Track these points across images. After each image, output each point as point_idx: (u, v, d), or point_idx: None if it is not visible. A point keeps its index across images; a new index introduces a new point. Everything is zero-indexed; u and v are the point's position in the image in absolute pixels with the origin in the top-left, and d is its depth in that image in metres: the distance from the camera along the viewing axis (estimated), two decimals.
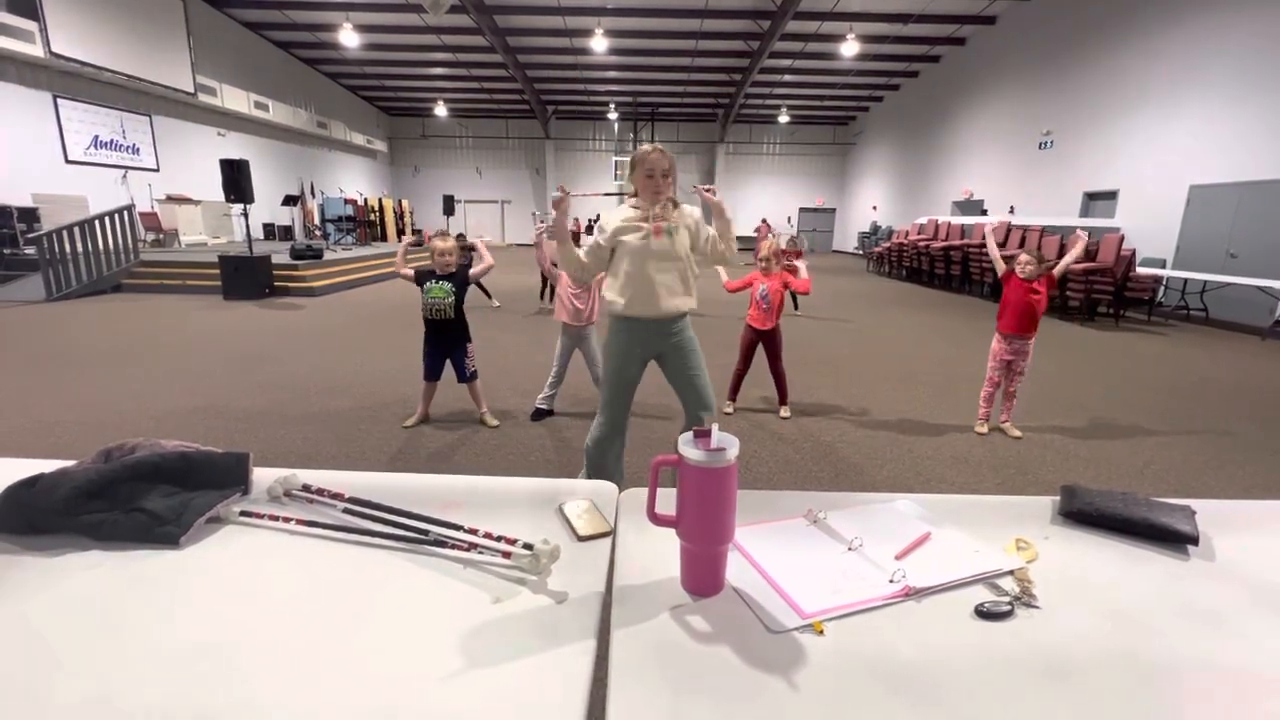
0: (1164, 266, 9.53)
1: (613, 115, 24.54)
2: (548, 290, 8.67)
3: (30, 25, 10.11)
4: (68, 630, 0.70)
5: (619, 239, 2.35)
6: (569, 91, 22.21)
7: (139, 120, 13.01)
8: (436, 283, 3.64)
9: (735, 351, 4.24)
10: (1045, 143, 13.07)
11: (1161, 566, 0.89)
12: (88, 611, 0.73)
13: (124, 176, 12.45)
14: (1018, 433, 3.91)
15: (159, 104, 13.42)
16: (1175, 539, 0.93)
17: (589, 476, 2.68)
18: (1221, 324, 8.66)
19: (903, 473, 3.37)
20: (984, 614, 0.77)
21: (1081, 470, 3.43)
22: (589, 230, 25.34)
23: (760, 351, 4.19)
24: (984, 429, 3.96)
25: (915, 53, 17.29)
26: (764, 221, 21.17)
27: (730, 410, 4.26)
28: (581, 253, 2.43)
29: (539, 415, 4.06)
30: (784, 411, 4.20)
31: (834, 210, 26.71)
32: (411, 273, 3.76)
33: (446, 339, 3.74)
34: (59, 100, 11.18)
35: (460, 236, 9.43)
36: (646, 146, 2.32)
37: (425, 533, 0.90)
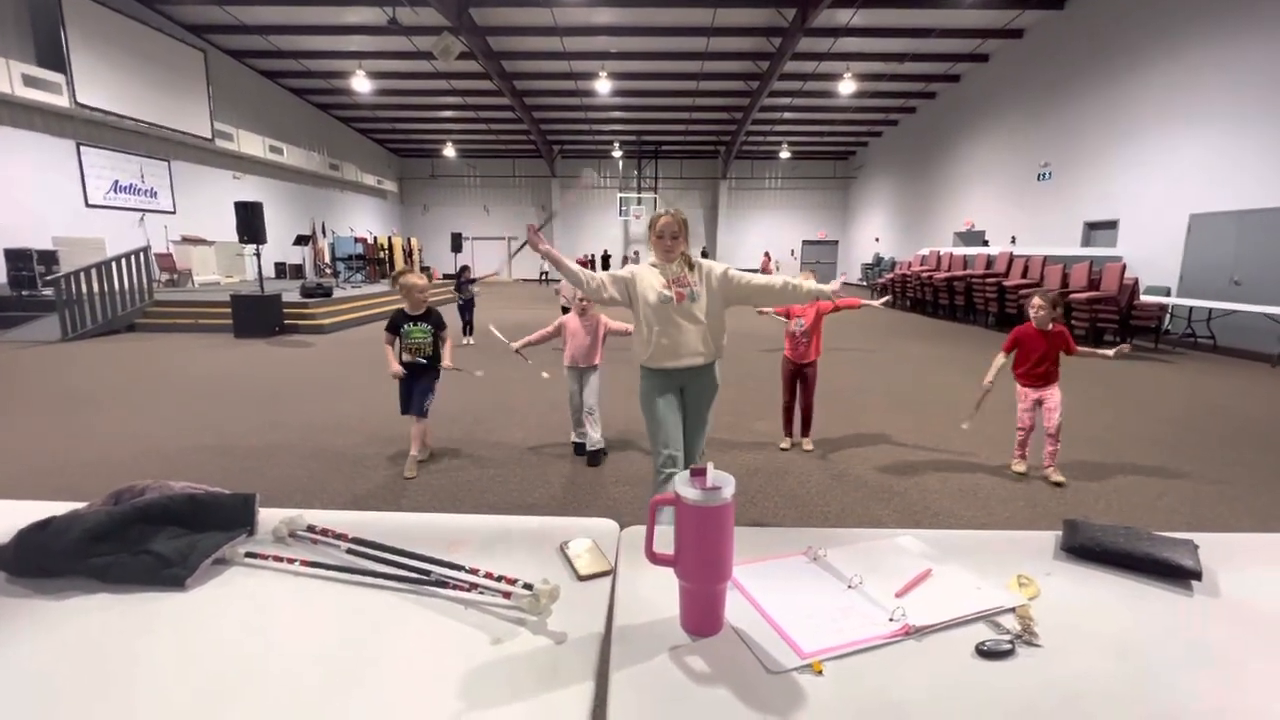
0: (1168, 294, 9.53)
1: (617, 153, 25.11)
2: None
3: (58, 77, 10.54)
4: (74, 673, 0.71)
5: (642, 292, 2.47)
6: (574, 131, 22.81)
7: (158, 165, 13.43)
8: (415, 325, 3.59)
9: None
10: (1044, 174, 13.24)
11: (1165, 603, 0.88)
12: (94, 654, 0.74)
13: (142, 219, 12.79)
14: (1060, 478, 3.61)
15: (178, 149, 13.86)
16: (1179, 574, 0.92)
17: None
18: (1230, 351, 8.61)
19: (909, 506, 3.33)
20: (985, 653, 0.76)
21: (1092, 503, 3.38)
22: (594, 265, 25.55)
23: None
24: (1022, 467, 3.78)
25: (911, 89, 17.71)
26: (766, 254, 21.41)
27: (786, 445, 4.25)
28: (605, 276, 2.53)
29: (578, 450, 4.07)
30: (806, 444, 4.23)
31: (837, 242, 26.99)
32: (395, 363, 3.64)
33: (421, 376, 3.71)
34: (82, 147, 11.58)
35: (465, 270, 9.45)
36: (660, 210, 2.50)
37: (427, 573, 0.90)
